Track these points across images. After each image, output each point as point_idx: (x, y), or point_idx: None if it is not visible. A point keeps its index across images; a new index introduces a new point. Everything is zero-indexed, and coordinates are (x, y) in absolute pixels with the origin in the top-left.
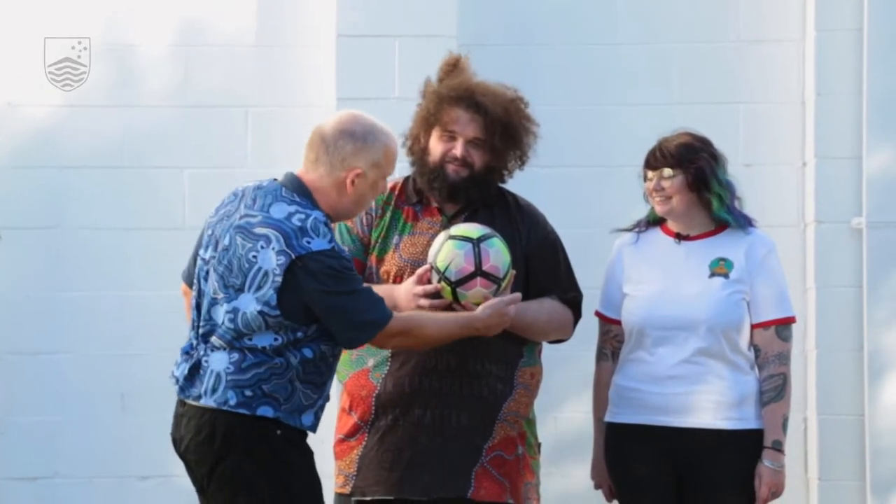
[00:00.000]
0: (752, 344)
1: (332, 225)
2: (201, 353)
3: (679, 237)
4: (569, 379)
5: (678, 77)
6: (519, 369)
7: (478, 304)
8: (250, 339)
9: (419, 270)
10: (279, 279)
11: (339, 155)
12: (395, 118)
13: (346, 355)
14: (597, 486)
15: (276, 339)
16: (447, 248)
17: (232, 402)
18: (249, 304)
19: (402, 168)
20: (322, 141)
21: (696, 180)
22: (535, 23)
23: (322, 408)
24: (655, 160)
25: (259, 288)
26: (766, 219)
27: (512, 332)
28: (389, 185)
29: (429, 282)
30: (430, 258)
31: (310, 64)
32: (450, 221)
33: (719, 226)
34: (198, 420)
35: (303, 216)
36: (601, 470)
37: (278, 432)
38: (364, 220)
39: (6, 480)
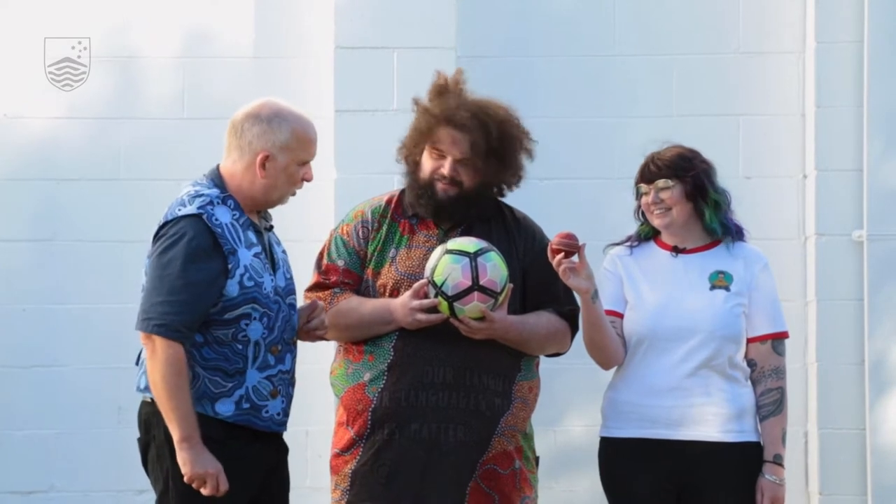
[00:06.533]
0: (747, 358)
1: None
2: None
3: (676, 250)
4: (567, 392)
5: (678, 89)
6: (517, 383)
7: (475, 319)
8: None
9: (416, 285)
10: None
11: (246, 138)
12: (394, 129)
13: (341, 370)
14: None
15: None
16: (444, 263)
17: (142, 385)
18: None
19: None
20: (232, 127)
21: (695, 189)
22: (534, 34)
23: (247, 399)
24: (651, 173)
25: None
26: (766, 231)
27: (509, 346)
28: (385, 198)
29: (426, 296)
30: (426, 272)
31: (308, 75)
32: (446, 235)
33: (714, 239)
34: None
35: (191, 190)
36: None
37: None
38: (361, 234)
39: (1, 494)
